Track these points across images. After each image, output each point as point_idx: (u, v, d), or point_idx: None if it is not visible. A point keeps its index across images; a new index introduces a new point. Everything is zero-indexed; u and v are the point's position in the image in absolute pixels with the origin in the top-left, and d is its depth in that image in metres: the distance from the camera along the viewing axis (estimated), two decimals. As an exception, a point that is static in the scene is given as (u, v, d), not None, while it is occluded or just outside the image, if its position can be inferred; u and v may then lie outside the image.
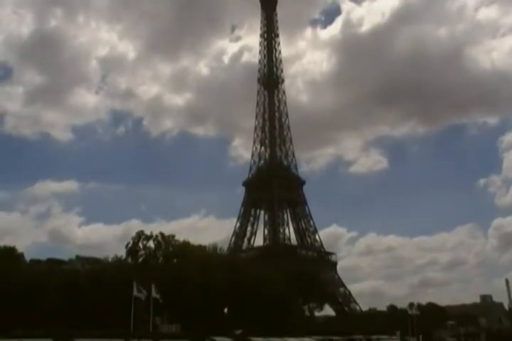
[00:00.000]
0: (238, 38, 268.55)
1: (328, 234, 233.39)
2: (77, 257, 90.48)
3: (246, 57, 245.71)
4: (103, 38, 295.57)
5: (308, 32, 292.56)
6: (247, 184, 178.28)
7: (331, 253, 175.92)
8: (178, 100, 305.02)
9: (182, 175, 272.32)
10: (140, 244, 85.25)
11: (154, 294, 52.65)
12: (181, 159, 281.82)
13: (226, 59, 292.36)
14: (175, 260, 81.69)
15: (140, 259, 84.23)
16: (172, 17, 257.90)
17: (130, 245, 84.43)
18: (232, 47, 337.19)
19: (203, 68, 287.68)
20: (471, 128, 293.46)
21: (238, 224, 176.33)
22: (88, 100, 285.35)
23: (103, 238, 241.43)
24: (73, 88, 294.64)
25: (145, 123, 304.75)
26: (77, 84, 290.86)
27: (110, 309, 57.32)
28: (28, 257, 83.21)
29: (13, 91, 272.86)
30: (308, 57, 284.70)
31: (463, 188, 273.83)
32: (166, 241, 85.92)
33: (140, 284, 54.63)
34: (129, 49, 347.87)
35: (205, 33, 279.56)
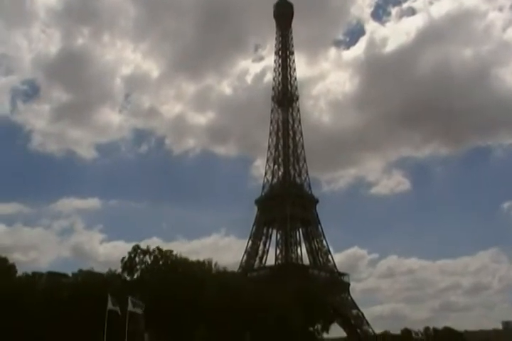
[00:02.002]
0: (261, 58, 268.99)
1: (349, 255, 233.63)
2: (80, 271, 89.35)
3: (268, 77, 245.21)
4: (128, 57, 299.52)
5: (332, 52, 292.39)
6: (260, 202, 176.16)
7: (343, 274, 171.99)
8: (201, 119, 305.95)
9: (204, 194, 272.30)
10: (137, 259, 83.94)
11: (131, 308, 50.81)
12: (203, 178, 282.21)
13: (249, 79, 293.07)
14: (162, 274, 79.24)
15: (136, 274, 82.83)
16: (196, 36, 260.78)
17: (126, 259, 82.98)
18: (255, 67, 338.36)
19: (226, 88, 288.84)
20: (496, 150, 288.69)
21: (250, 243, 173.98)
22: (112, 118, 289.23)
23: (124, 255, 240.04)
24: (98, 106, 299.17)
25: (167, 142, 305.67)
26: (101, 102, 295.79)
27: (90, 322, 55.45)
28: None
29: (40, 108, 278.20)
30: (332, 77, 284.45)
31: (487, 211, 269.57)
32: (163, 256, 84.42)
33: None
34: (152, 68, 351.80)
35: (229, 53, 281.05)
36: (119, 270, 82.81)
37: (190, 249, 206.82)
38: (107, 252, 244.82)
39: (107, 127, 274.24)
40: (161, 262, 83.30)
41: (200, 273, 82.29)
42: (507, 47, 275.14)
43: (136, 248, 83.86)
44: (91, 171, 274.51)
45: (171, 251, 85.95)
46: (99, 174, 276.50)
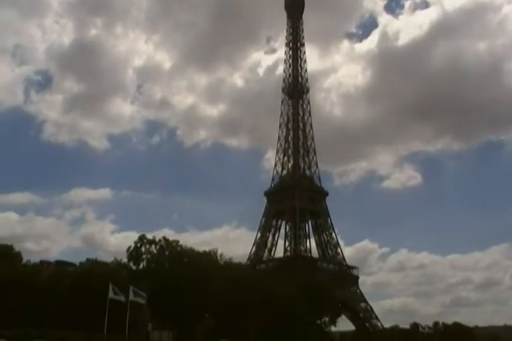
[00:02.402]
0: (273, 50, 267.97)
1: (359, 249, 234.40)
2: (88, 260, 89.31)
3: (280, 70, 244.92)
4: (140, 48, 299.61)
5: (344, 45, 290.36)
6: (269, 194, 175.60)
7: (352, 267, 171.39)
8: (213, 111, 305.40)
9: (215, 186, 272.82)
10: (143, 248, 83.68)
11: (132, 297, 50.52)
12: (215, 170, 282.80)
13: (261, 71, 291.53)
14: (167, 265, 79.06)
15: (141, 264, 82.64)
16: (209, 28, 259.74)
17: (131, 249, 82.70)
18: (267, 59, 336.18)
19: (238, 79, 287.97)
20: (509, 145, 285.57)
21: (259, 235, 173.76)
22: (124, 109, 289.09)
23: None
24: (110, 97, 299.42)
25: (179, 133, 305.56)
26: (114, 93, 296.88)
27: (92, 311, 55.20)
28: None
29: (53, 99, 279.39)
30: (344, 70, 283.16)
31: (499, 206, 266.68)
32: (169, 246, 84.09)
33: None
34: (165, 59, 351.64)
35: (242, 45, 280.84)
36: (125, 259, 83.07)
37: (201, 240, 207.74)
38: (118, 243, 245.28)
39: (119, 118, 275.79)
40: (166, 252, 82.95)
41: (205, 263, 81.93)
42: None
43: (142, 237, 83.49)
44: (103, 162, 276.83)
45: (177, 241, 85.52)
46: (110, 165, 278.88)
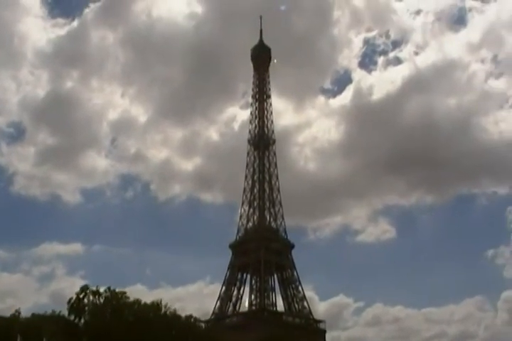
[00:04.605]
0: (248, 105, 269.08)
1: (334, 303, 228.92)
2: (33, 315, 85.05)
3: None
4: (116, 102, 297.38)
5: (319, 100, 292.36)
6: (234, 246, 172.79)
7: (319, 321, 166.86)
8: (188, 165, 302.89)
9: (189, 241, 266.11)
10: (85, 300, 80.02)
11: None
12: (189, 224, 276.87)
13: (236, 125, 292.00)
14: (108, 317, 75.51)
15: (83, 316, 78.79)
16: (185, 82, 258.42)
17: (73, 300, 78.90)
18: (242, 114, 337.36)
19: (213, 134, 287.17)
20: (480, 198, 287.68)
21: (223, 289, 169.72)
22: (98, 163, 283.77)
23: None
24: (84, 150, 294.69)
25: (153, 188, 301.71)
26: (88, 146, 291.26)
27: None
28: None
29: (25, 151, 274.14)
30: (318, 125, 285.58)
31: (471, 259, 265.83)
32: (113, 297, 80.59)
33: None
34: (140, 112, 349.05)
35: (218, 99, 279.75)
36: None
37: (174, 296, 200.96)
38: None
39: (93, 172, 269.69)
40: (110, 304, 79.37)
41: (152, 316, 78.67)
42: (488, 97, 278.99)
43: (84, 288, 79.98)
44: (75, 216, 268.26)
45: (124, 293, 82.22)
46: (83, 219, 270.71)
